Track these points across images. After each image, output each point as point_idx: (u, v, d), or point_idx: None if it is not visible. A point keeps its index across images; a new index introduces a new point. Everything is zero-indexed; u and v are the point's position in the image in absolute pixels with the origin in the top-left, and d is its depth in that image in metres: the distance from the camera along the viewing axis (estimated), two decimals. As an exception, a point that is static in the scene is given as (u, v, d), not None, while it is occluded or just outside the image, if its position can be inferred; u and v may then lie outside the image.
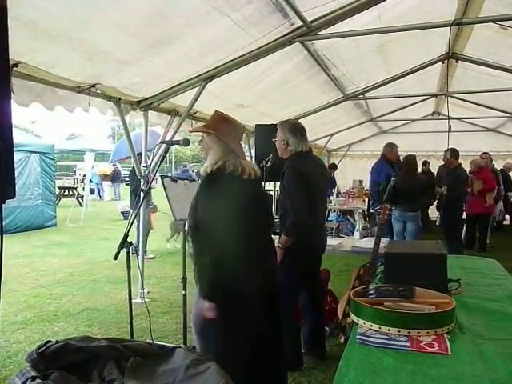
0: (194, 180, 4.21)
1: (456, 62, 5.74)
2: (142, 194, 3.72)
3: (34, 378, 1.18)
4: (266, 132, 4.70)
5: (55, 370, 1.22)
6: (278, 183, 4.42)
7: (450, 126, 5.83)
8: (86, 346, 1.31)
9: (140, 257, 4.74)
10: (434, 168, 9.20)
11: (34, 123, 38.09)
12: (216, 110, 2.39)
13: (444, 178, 6.51)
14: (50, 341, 1.33)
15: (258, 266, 2.14)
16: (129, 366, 1.26)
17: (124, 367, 1.26)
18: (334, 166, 10.50)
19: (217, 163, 2.18)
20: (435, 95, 7.83)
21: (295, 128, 3.17)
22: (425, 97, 7.97)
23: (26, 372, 1.21)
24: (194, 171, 15.39)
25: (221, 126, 2.30)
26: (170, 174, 8.39)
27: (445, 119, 7.21)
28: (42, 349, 1.26)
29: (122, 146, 11.90)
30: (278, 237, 3.14)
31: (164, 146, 2.70)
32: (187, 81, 4.27)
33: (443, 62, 5.85)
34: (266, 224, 2.42)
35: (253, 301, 2.12)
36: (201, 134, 2.39)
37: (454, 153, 6.28)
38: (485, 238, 7.61)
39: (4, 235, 1.58)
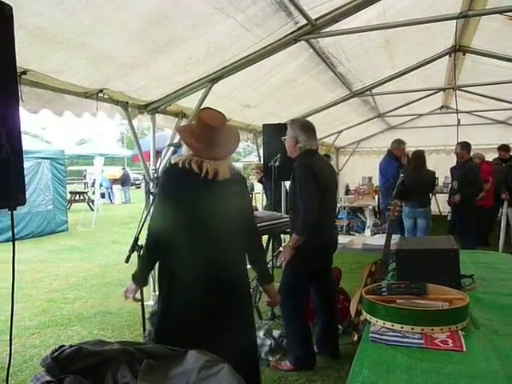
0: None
1: (463, 54, 5.68)
2: (150, 197, 3.73)
3: (48, 383, 1.19)
4: (273, 131, 4.70)
5: (69, 374, 1.23)
6: (287, 182, 4.43)
7: (458, 120, 5.76)
8: (99, 349, 1.31)
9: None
10: (444, 162, 9.12)
11: (45, 129, 38.49)
12: (201, 108, 2.40)
13: (455, 171, 6.41)
14: (63, 345, 1.34)
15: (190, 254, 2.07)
16: (142, 369, 1.26)
17: (137, 370, 1.27)
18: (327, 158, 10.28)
19: (177, 160, 2.19)
20: (443, 89, 7.74)
21: (306, 126, 3.19)
22: (432, 91, 7.90)
23: (41, 377, 1.23)
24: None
25: (193, 124, 2.33)
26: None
27: (453, 113, 7.14)
28: (56, 353, 1.27)
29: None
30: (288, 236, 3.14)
31: (172, 148, 2.71)
32: (193, 83, 4.28)
33: (450, 56, 5.78)
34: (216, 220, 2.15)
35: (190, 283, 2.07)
36: None
37: (465, 146, 6.20)
38: (485, 232, 7.43)
39: (16, 241, 1.59)
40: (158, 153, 4.94)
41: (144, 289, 2.45)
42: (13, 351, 1.92)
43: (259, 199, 7.84)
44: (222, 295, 2.09)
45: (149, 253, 2.22)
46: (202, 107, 4.46)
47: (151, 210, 2.37)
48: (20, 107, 1.60)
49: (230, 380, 1.11)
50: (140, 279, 2.22)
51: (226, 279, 2.08)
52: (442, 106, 9.75)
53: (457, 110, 5.81)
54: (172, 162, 2.25)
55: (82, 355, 1.27)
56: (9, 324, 1.83)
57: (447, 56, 5.84)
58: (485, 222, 7.30)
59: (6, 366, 1.85)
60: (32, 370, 3.28)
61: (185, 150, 2.21)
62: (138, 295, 2.26)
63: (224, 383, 1.11)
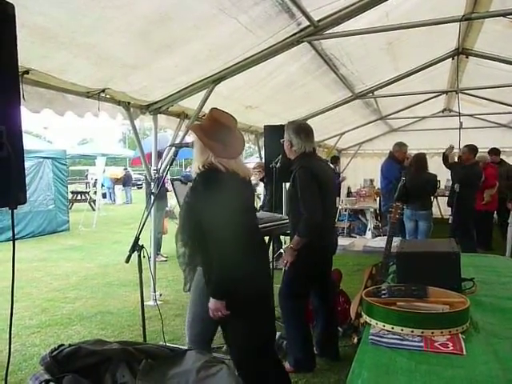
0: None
1: (466, 57, 5.68)
2: (152, 197, 3.74)
3: (47, 382, 1.19)
4: (274, 133, 4.69)
5: (68, 373, 1.23)
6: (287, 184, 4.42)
7: (461, 123, 5.76)
8: (99, 349, 1.31)
9: (152, 260, 4.77)
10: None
11: (46, 129, 38.55)
12: (211, 108, 2.37)
13: (458, 174, 6.38)
14: (63, 344, 1.34)
15: (257, 266, 2.24)
16: (141, 368, 1.26)
17: (136, 370, 1.26)
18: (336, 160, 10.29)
19: (203, 163, 2.18)
20: (445, 92, 7.74)
21: (300, 129, 3.18)
22: (435, 94, 7.89)
23: (40, 375, 1.23)
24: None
25: (205, 124, 2.31)
26: (179, 177, 8.41)
27: (456, 116, 7.13)
28: (55, 352, 1.27)
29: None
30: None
31: (173, 149, 2.70)
32: (195, 83, 4.29)
33: (453, 59, 5.78)
34: (257, 224, 2.48)
35: (255, 300, 2.18)
36: None
37: (472, 149, 6.19)
38: (487, 236, 7.40)
39: (17, 241, 1.59)
40: (159, 153, 4.96)
41: (144, 289, 2.46)
42: (13, 350, 1.92)
43: (261, 200, 7.83)
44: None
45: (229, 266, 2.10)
46: (204, 108, 4.48)
47: (216, 220, 2.13)
48: (22, 107, 1.60)
49: (229, 380, 1.11)
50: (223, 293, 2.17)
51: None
52: (445, 109, 9.75)
53: (459, 112, 5.81)
54: (201, 165, 2.18)
55: (81, 354, 1.27)
56: (9, 323, 1.83)
57: (450, 59, 5.84)
58: (488, 225, 7.28)
59: (6, 365, 1.85)
60: (32, 369, 3.28)
61: (201, 151, 2.21)
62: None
63: (223, 383, 1.11)
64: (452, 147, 6.43)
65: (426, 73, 6.22)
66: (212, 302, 2.15)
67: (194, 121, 4.69)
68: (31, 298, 5.15)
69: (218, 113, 2.28)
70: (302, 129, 3.19)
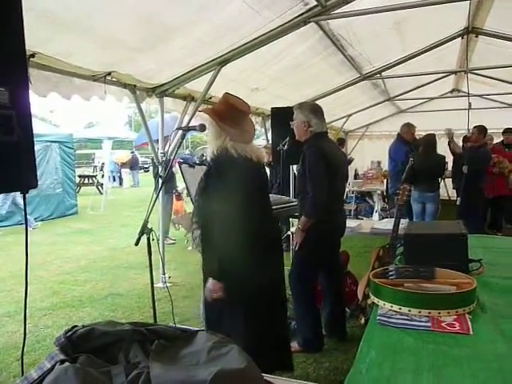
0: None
1: (476, 36, 5.56)
2: (160, 180, 3.76)
3: (62, 362, 1.21)
4: (282, 115, 4.66)
5: (82, 353, 1.26)
6: (295, 166, 4.42)
7: (470, 104, 5.66)
8: (111, 330, 1.33)
9: (161, 242, 4.81)
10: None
11: (52, 113, 38.53)
12: (225, 93, 2.37)
13: (466, 155, 6.31)
14: (76, 325, 1.36)
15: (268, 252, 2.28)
16: (153, 348, 1.28)
17: (148, 350, 1.29)
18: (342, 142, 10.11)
19: (218, 147, 2.19)
20: (454, 72, 7.61)
21: (316, 109, 3.17)
22: (443, 74, 7.77)
23: (55, 355, 1.25)
24: (203, 155, 15.32)
25: (220, 109, 2.31)
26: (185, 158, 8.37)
27: (464, 96, 7.02)
28: (70, 333, 1.30)
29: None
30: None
31: (180, 132, 2.70)
32: (202, 66, 4.26)
33: (462, 38, 5.67)
34: (270, 209, 2.53)
35: (264, 288, 2.22)
36: None
37: (482, 130, 6.11)
38: (498, 218, 7.31)
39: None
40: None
41: (153, 271, 2.49)
42: (26, 331, 1.97)
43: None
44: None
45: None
46: (210, 91, 4.46)
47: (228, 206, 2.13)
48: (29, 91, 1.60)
49: (240, 360, 1.13)
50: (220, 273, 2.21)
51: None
52: (453, 90, 9.61)
53: (468, 93, 5.72)
54: (216, 150, 2.19)
55: (95, 335, 1.29)
56: (22, 305, 1.87)
57: (459, 38, 5.73)
58: (500, 209, 7.23)
59: (20, 346, 1.90)
60: (45, 350, 3.36)
61: (216, 135, 2.22)
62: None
63: (234, 362, 1.13)
64: (449, 131, 6.33)
65: (434, 53, 6.10)
66: (210, 283, 2.20)
67: (200, 103, 4.68)
68: (42, 281, 5.24)
69: (233, 98, 2.30)
70: (318, 108, 3.18)
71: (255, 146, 2.41)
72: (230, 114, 2.24)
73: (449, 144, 6.53)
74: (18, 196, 8.14)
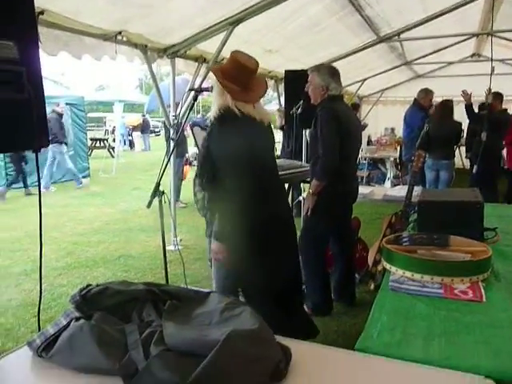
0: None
1: (502, -4, 5.31)
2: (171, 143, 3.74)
3: (78, 319, 1.24)
4: (296, 78, 4.55)
5: (97, 311, 1.28)
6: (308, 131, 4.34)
7: (492, 68, 5.43)
8: (125, 289, 1.35)
9: (172, 205, 4.83)
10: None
11: (63, 75, 38.25)
12: (233, 51, 2.26)
13: (485, 121, 6.11)
14: (90, 284, 1.38)
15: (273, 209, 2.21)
16: (166, 308, 1.30)
17: (161, 310, 1.31)
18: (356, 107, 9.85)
19: (220, 106, 2.12)
20: (477, 34, 7.30)
21: (334, 72, 3.08)
22: (465, 37, 7.47)
23: (71, 313, 1.28)
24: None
25: (226, 66, 2.23)
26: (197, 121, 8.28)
27: (485, 61, 6.77)
28: (84, 291, 1.32)
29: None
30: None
31: (192, 93, 2.65)
32: (214, 25, 4.14)
33: (487, -3, 5.42)
34: (275, 169, 2.43)
35: (273, 242, 2.18)
36: None
37: (497, 96, 5.91)
38: None
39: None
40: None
41: (165, 234, 2.50)
42: (42, 289, 2.00)
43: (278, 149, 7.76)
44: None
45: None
46: (223, 52, 4.35)
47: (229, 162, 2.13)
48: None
49: (252, 321, 1.14)
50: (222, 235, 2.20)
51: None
52: (474, 54, 9.27)
53: (492, 57, 5.49)
54: (218, 109, 2.13)
55: (109, 294, 1.31)
56: (38, 264, 1.90)
57: (484, -3, 5.47)
58: None
59: (37, 303, 1.94)
60: (61, 307, 3.46)
61: (219, 93, 2.16)
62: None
63: (246, 323, 1.13)
64: (466, 92, 6.01)
65: (456, 14, 5.84)
66: (214, 244, 2.19)
67: (213, 65, 4.58)
68: (56, 242, 5.34)
69: (239, 54, 2.19)
70: (336, 71, 3.10)
71: (263, 108, 2.33)
72: (234, 70, 2.15)
73: (466, 106, 6.24)
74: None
